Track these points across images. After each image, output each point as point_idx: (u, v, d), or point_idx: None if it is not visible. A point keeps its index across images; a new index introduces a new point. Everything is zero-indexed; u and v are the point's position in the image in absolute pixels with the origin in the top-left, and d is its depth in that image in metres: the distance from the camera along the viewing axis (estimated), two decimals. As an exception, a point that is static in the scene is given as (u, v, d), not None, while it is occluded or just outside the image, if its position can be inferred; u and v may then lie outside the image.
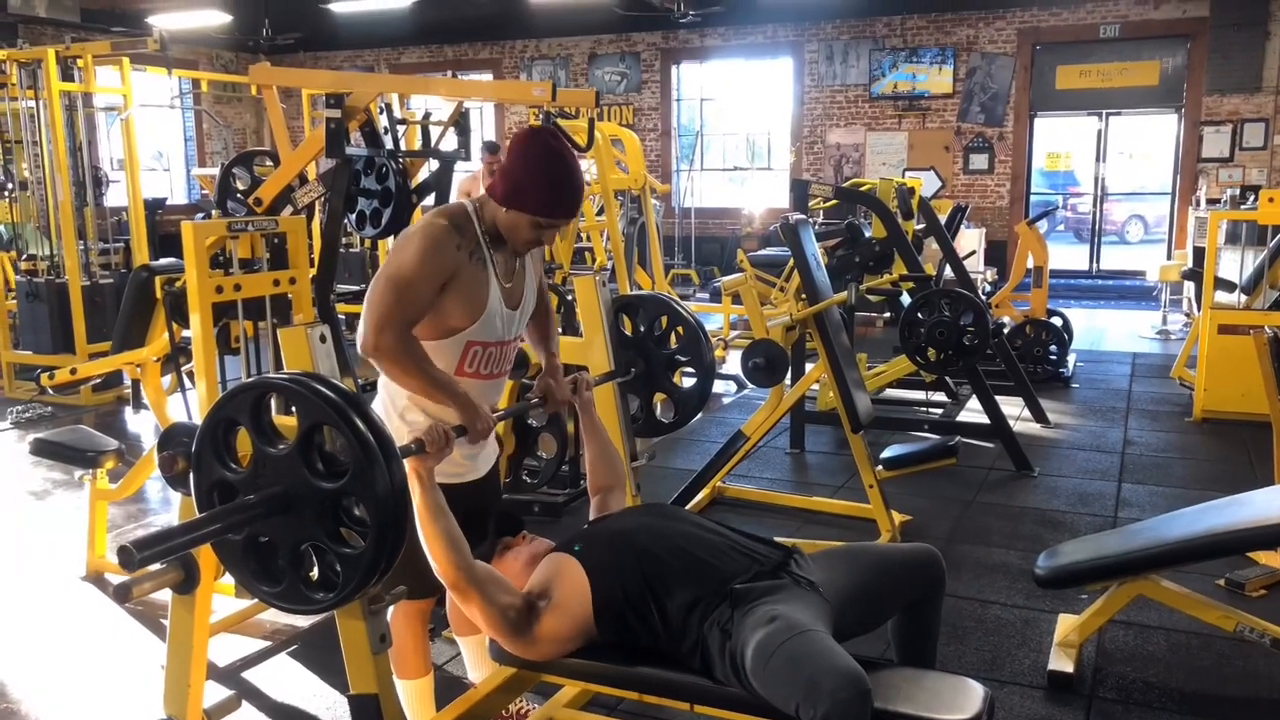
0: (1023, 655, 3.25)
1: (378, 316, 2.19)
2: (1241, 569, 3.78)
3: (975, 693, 2.09)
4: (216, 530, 1.65)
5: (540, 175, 2.23)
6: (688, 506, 4.46)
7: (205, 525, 1.65)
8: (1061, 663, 3.09)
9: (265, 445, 1.72)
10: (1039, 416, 6.17)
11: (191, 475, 1.78)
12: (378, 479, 1.63)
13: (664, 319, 3.05)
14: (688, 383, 3.17)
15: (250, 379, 1.81)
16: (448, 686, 2.88)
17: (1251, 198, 8.11)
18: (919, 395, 6.69)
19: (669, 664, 2.17)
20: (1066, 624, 3.27)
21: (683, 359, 3.02)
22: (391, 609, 2.44)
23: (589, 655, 2.22)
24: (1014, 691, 3.02)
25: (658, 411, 3.23)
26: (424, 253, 2.21)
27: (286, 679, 3.16)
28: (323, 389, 1.69)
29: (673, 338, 3.14)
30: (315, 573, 1.76)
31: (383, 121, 4.73)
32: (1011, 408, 6.04)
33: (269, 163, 5.45)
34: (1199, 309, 6.86)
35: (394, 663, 2.38)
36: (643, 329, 3.05)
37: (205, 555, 2.15)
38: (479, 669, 2.80)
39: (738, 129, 13.89)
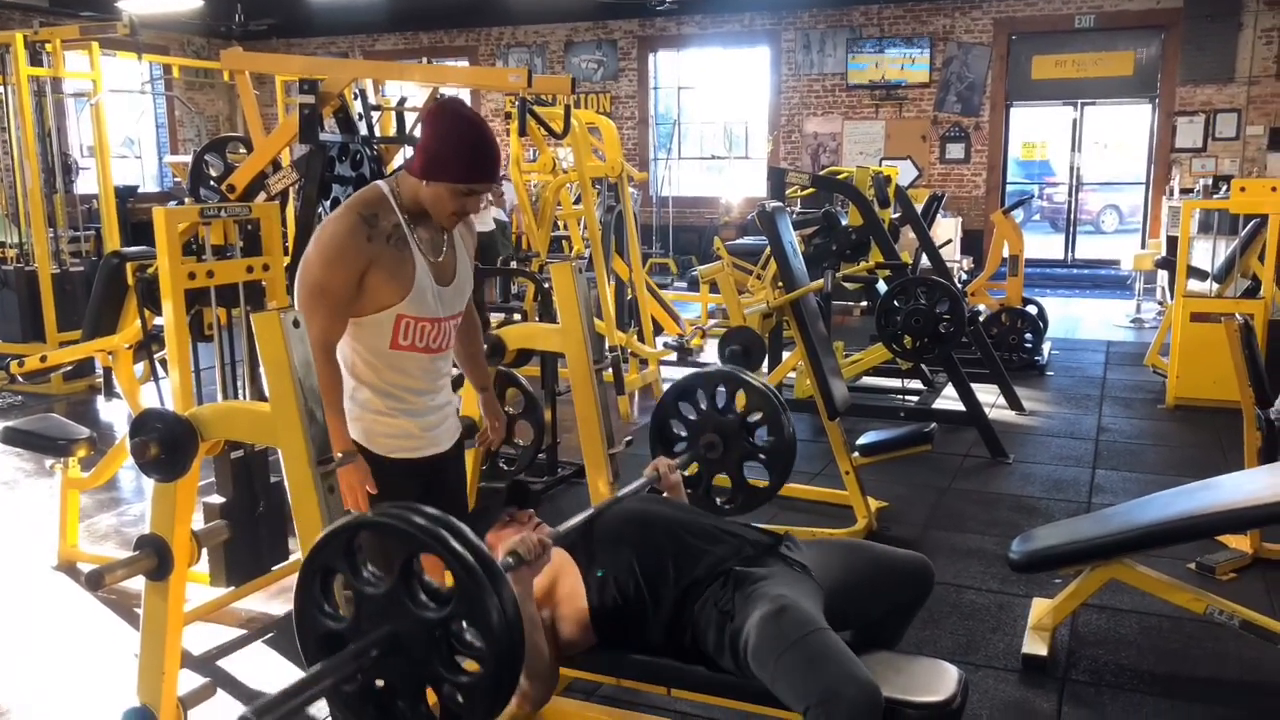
0: (997, 639, 3.28)
1: (304, 317, 2.21)
2: (1212, 553, 3.82)
3: (950, 675, 2.11)
4: (334, 682, 1.58)
5: (456, 143, 2.23)
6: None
7: (323, 678, 1.56)
8: (1035, 646, 3.12)
9: (364, 587, 1.62)
10: (1014, 404, 6.21)
11: (296, 632, 1.68)
12: (490, 607, 1.55)
13: (724, 389, 2.99)
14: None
15: (337, 523, 1.70)
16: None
17: (1224, 187, 8.19)
18: (895, 383, 6.72)
19: (650, 648, 2.17)
20: (1040, 608, 3.29)
21: (753, 420, 2.96)
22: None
23: (566, 641, 2.22)
24: (988, 674, 3.05)
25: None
26: (330, 255, 2.24)
27: (261, 667, 3.14)
28: (417, 519, 1.60)
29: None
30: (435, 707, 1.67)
31: (357, 108, 4.69)
32: (987, 395, 6.07)
33: (242, 149, 5.39)
34: (1172, 297, 6.93)
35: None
36: (704, 405, 2.99)
37: (178, 541, 2.14)
38: None
39: (715, 117, 13.88)
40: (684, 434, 3.04)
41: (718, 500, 3.05)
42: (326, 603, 1.66)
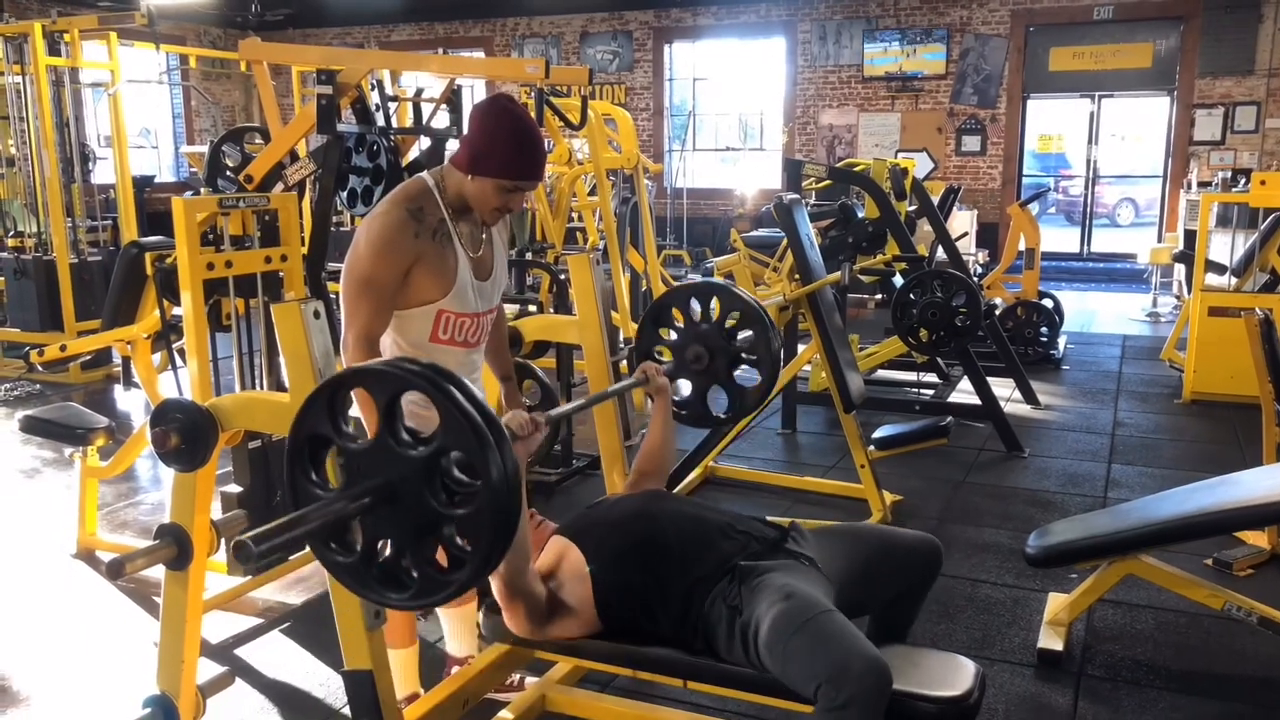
0: (1013, 633, 3.27)
1: (345, 314, 2.28)
2: (1229, 549, 3.80)
3: (967, 670, 2.10)
4: (330, 519, 1.55)
5: (504, 139, 2.24)
6: (679, 486, 4.46)
7: (316, 516, 1.54)
8: (1051, 641, 3.11)
9: (349, 444, 1.60)
10: (1030, 398, 6.19)
11: (292, 505, 1.64)
12: (488, 450, 1.52)
13: (736, 313, 2.93)
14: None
15: (324, 380, 1.65)
16: (441, 664, 2.88)
17: (1243, 181, 8.13)
18: (911, 376, 6.71)
19: (665, 643, 2.17)
20: (1056, 603, 3.29)
21: (749, 357, 2.94)
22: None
23: (583, 632, 2.22)
24: (1004, 669, 3.04)
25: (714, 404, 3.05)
26: (378, 249, 2.25)
27: (280, 655, 3.16)
28: (409, 365, 1.60)
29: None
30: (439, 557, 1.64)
31: (374, 98, 4.69)
32: (1002, 389, 6.05)
33: (259, 139, 5.40)
34: (1189, 291, 6.89)
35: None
36: (712, 319, 2.92)
37: (198, 530, 2.15)
38: (457, 640, 2.82)
39: (730, 109, 13.84)
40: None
41: (716, 414, 3.00)
42: (317, 474, 1.64)
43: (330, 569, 1.66)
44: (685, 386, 2.96)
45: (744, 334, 2.92)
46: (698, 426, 3.21)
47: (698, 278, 10.96)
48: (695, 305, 2.97)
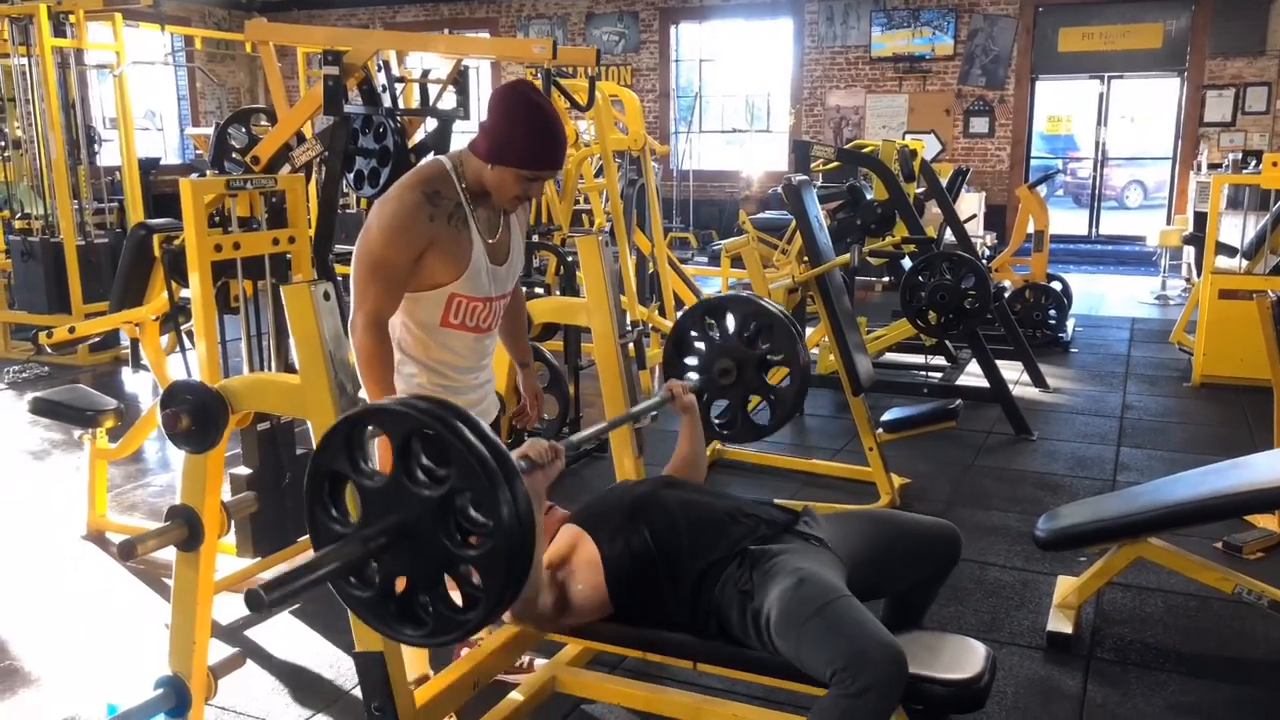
0: (1022, 616, 3.27)
1: (355, 296, 2.25)
2: (1239, 532, 3.79)
3: (978, 652, 2.10)
4: (344, 565, 1.57)
5: (525, 128, 2.21)
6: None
7: (331, 560, 1.56)
8: (1060, 624, 3.11)
9: (366, 481, 1.61)
10: (1038, 381, 6.17)
11: (311, 540, 1.66)
12: (500, 498, 1.53)
13: (753, 319, 2.94)
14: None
15: (341, 416, 1.66)
16: (446, 650, 2.89)
17: (1254, 162, 8.08)
18: (919, 359, 6.69)
19: (678, 628, 2.18)
20: (1065, 586, 3.28)
21: (775, 358, 2.92)
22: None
23: (594, 614, 2.23)
24: (1013, 652, 3.04)
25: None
26: (391, 231, 2.22)
27: (290, 637, 3.17)
28: (420, 403, 1.59)
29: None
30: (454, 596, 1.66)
31: (380, 79, 4.67)
32: (1011, 372, 6.04)
33: (265, 121, 5.38)
34: (1199, 274, 6.85)
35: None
36: (730, 331, 2.94)
37: (209, 512, 2.15)
38: None
39: (736, 91, 13.76)
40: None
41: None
42: (335, 509, 1.65)
43: (349, 604, 1.66)
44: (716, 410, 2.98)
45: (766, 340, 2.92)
46: (744, 442, 3.17)
47: (704, 260, 10.94)
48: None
